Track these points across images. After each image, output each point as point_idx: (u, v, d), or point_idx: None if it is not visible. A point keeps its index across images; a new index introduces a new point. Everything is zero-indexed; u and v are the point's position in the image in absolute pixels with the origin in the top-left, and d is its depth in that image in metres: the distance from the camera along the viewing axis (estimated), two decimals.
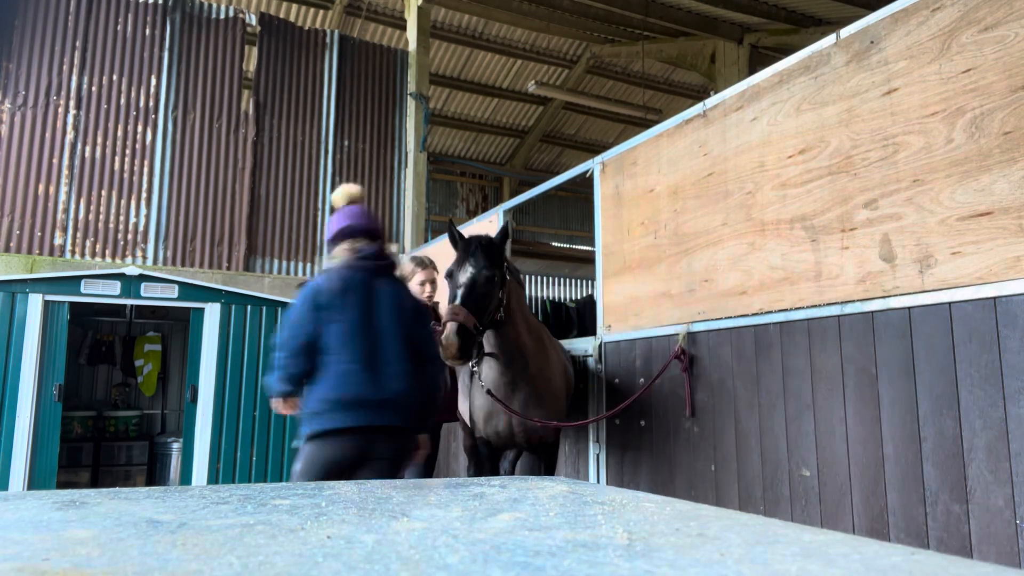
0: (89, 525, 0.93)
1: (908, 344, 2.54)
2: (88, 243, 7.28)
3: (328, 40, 8.74)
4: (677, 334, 3.61)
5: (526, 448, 3.88)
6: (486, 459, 3.84)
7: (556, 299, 12.84)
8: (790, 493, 2.96)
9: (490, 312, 3.21)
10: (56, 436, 5.65)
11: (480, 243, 3.32)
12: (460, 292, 3.17)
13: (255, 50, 8.54)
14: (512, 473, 4.28)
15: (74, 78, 7.42)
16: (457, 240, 3.41)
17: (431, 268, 4.06)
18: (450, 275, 3.32)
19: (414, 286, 4.02)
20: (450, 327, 3.03)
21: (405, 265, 4.11)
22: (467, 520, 1.01)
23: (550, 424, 3.60)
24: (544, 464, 3.92)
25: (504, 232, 3.44)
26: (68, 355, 5.97)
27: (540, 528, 0.95)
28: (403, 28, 10.47)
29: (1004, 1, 2.34)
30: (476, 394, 3.71)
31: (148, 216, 7.55)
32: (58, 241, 7.15)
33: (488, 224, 5.73)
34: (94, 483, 7.55)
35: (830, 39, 2.97)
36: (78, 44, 7.48)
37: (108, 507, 1.07)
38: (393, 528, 0.94)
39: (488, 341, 3.48)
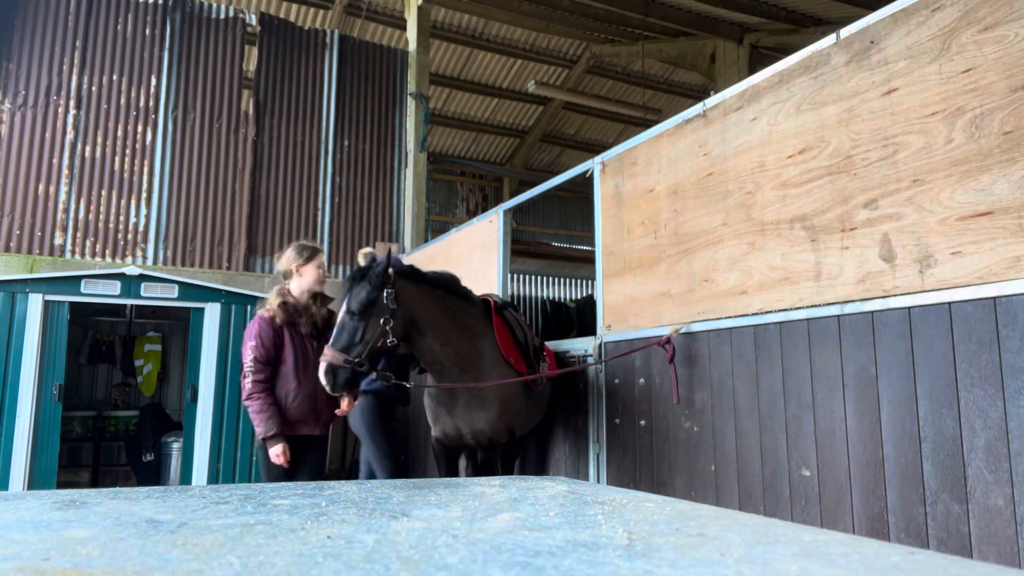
0: (89, 525, 0.93)
1: (908, 344, 2.54)
2: (88, 243, 7.28)
3: (328, 40, 8.73)
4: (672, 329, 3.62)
5: (477, 448, 4.02)
6: (442, 457, 4.01)
7: (556, 299, 12.84)
8: (790, 493, 2.96)
9: (370, 342, 3.27)
10: (56, 436, 5.64)
11: (353, 278, 3.39)
12: (333, 333, 3.35)
13: (255, 50, 8.53)
14: (470, 472, 4.34)
15: (74, 78, 7.41)
16: None
17: (322, 254, 4.06)
18: None
19: (313, 270, 3.89)
20: (320, 368, 3.24)
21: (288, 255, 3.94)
22: (467, 520, 1.01)
23: (476, 385, 3.63)
24: (501, 464, 4.02)
25: (371, 261, 3.43)
26: (68, 355, 5.96)
27: (540, 528, 0.95)
28: (403, 28, 10.46)
29: (1004, 1, 2.34)
30: (426, 397, 3.95)
31: (148, 216, 7.54)
32: (58, 241, 7.15)
33: (488, 224, 5.73)
34: (94, 483, 7.54)
35: (830, 39, 2.97)
36: (78, 44, 7.48)
37: (108, 507, 1.07)
38: (393, 528, 0.94)
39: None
